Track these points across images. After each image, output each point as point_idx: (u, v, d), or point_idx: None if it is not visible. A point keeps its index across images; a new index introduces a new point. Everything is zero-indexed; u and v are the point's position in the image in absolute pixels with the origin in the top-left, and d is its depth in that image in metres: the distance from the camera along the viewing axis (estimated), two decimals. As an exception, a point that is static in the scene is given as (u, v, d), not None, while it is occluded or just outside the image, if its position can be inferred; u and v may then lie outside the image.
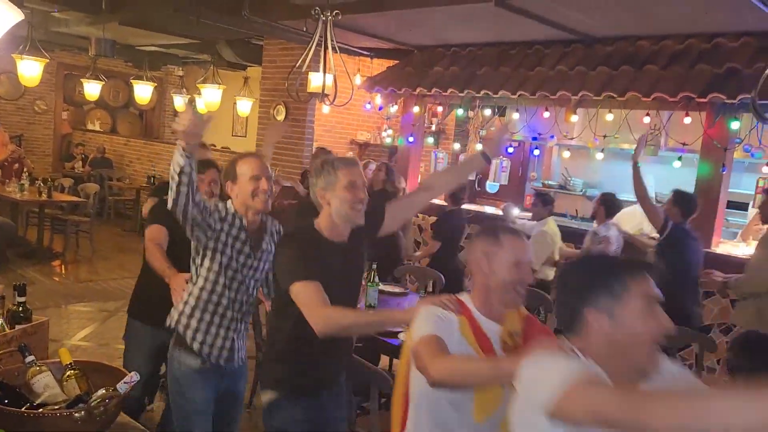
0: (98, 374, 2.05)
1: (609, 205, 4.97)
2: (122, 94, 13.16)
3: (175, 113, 12.65)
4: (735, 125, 4.82)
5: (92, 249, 8.30)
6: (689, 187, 5.34)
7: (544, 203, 5.41)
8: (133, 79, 10.22)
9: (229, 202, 2.53)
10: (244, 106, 9.94)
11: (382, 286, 4.48)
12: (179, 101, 10.84)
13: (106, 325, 5.64)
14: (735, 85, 4.63)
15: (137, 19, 7.26)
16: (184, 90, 11.45)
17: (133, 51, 10.25)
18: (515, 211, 6.24)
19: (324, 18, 4.25)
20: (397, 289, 4.72)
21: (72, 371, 1.99)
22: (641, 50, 5.39)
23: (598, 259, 1.61)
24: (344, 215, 2.27)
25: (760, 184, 4.82)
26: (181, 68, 12.44)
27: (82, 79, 9.63)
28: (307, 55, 4.31)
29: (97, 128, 13.23)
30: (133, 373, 1.92)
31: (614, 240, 4.78)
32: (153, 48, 10.10)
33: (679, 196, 4.41)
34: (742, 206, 5.98)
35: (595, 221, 5.08)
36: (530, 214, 5.81)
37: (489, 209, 6.93)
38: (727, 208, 5.57)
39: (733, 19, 4.58)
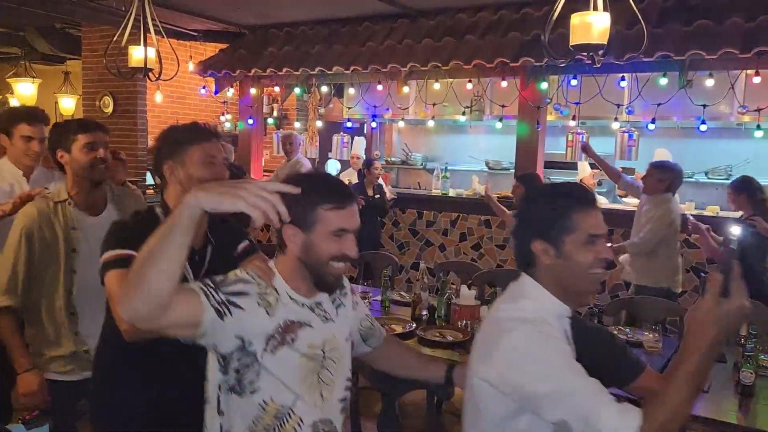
0: None
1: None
2: None
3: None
4: (544, 85, 5.31)
5: None
6: (512, 149, 5.80)
7: None
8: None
9: None
10: (68, 103, 9.18)
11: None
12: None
13: None
14: (541, 50, 5.08)
15: None
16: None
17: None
18: None
19: (140, -11, 4.05)
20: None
21: None
22: (460, 23, 5.76)
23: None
24: None
25: (569, 138, 5.35)
26: (-13, 67, 11.20)
27: None
28: (125, 27, 4.08)
29: None
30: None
31: None
32: (-51, 42, 8.99)
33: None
34: (561, 165, 6.57)
35: None
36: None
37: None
38: (546, 168, 6.12)
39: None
